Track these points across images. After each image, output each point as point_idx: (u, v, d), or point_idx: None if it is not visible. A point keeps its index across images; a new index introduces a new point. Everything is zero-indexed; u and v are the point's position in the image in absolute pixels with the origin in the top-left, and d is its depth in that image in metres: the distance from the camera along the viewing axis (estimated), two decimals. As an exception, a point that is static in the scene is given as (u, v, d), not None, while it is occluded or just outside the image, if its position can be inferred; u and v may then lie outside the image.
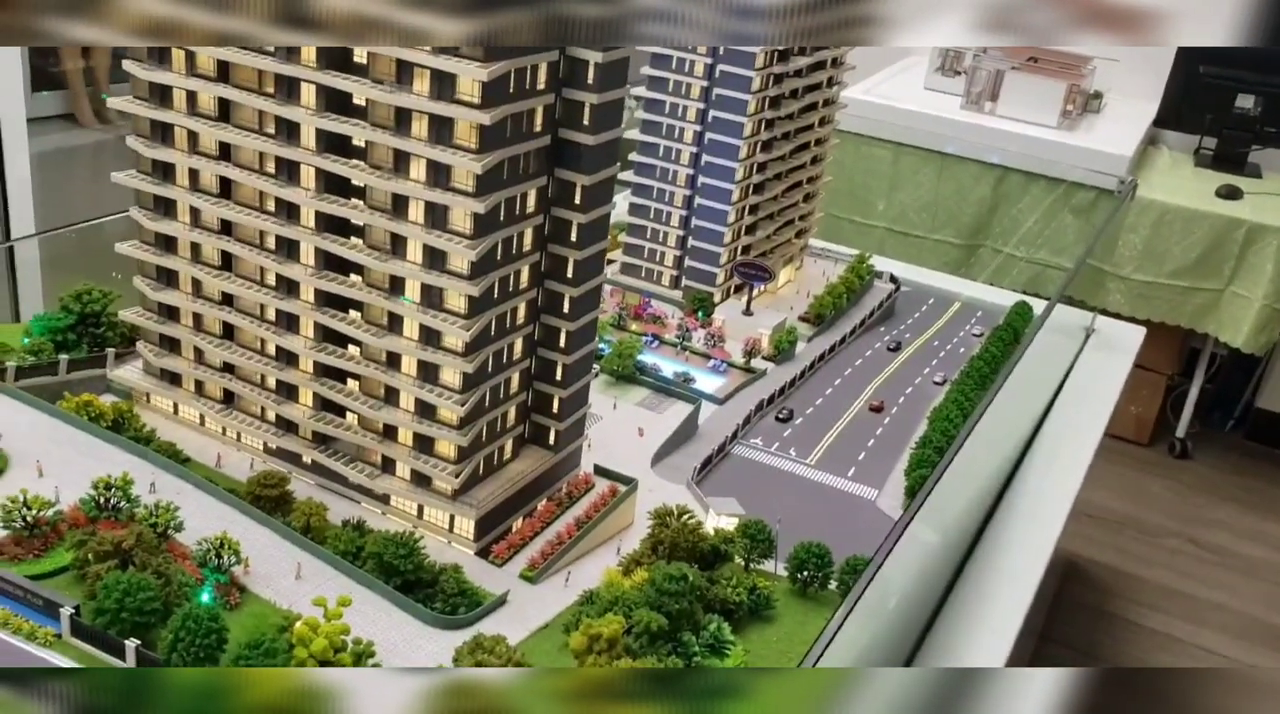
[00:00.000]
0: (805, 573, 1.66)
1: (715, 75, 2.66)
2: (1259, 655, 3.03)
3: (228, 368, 1.77)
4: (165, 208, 1.72)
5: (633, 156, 2.79)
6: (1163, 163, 4.08)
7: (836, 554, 1.72)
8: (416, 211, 1.49)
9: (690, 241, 2.82)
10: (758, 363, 2.58)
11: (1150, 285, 3.74)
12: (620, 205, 2.89)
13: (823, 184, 3.17)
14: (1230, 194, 3.75)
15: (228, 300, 1.73)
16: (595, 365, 2.31)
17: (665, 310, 2.75)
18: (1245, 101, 3.95)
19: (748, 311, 2.78)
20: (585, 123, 1.55)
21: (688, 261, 2.84)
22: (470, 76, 1.36)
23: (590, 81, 1.52)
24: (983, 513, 2.24)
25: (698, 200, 2.78)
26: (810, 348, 2.72)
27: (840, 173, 4.07)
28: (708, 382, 2.46)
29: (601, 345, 2.40)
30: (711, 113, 2.69)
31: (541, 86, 1.49)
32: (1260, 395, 4.10)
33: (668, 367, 2.45)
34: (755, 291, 2.83)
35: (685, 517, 1.64)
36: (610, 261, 2.92)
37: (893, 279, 3.13)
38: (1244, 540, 3.56)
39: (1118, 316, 3.52)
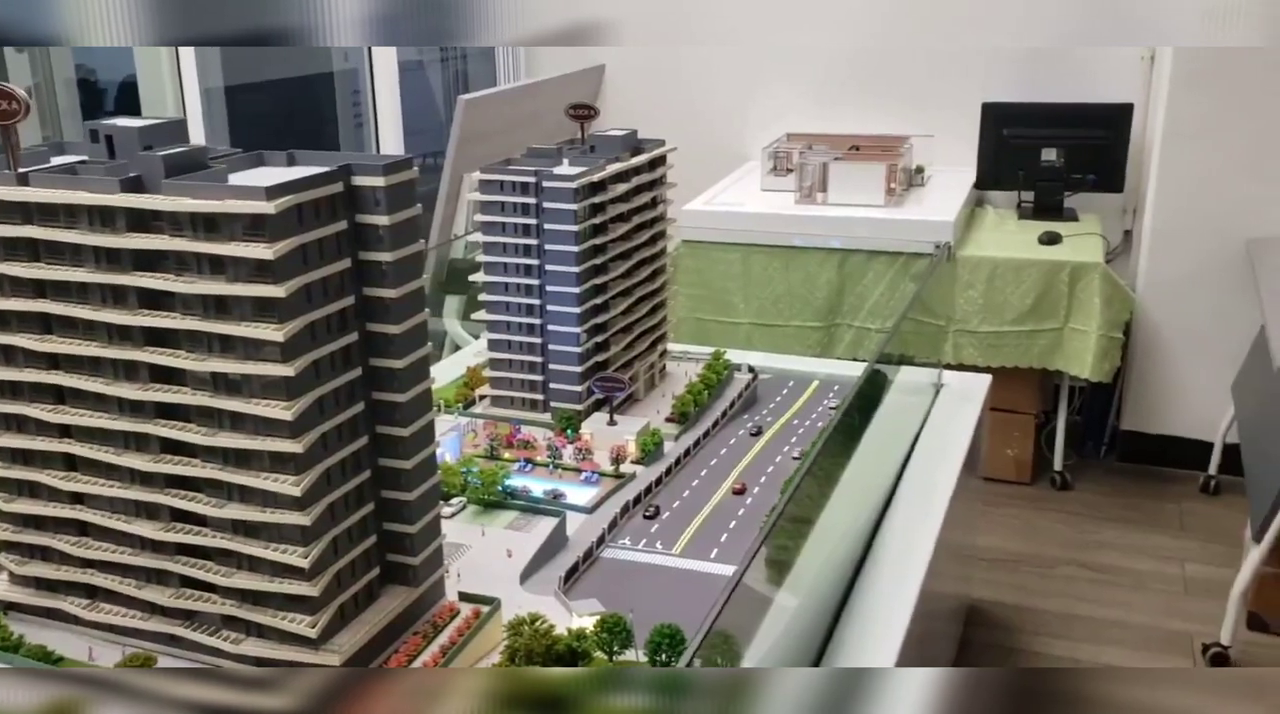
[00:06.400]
0: (663, 654, 1.76)
1: (542, 211, 2.85)
2: (1161, 662, 3.16)
3: (89, 564, 1.84)
4: (4, 422, 1.82)
5: (482, 297, 2.95)
6: (990, 221, 4.39)
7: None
8: (235, 385, 1.61)
9: (549, 366, 2.97)
10: (626, 468, 2.70)
11: (997, 334, 3.98)
12: (480, 342, 3.05)
13: (670, 294, 3.35)
14: (1051, 240, 4.05)
15: (78, 499, 1.81)
16: (462, 497, 2.42)
17: (535, 435, 2.87)
18: (1050, 155, 4.31)
19: (612, 422, 2.91)
20: (385, 279, 1.70)
21: (551, 385, 2.98)
22: (257, 255, 1.50)
23: (382, 238, 1.68)
24: (851, 567, 2.37)
25: (548, 326, 2.94)
26: (677, 446, 2.85)
27: (699, 279, 4.30)
28: (580, 494, 2.57)
29: (474, 480, 2.51)
30: (545, 246, 2.87)
31: (336, 254, 1.64)
32: (1123, 418, 4.34)
33: (538, 486, 2.56)
34: (617, 402, 2.98)
35: (538, 623, 1.74)
36: (482, 397, 3.06)
37: (750, 369, 3.31)
38: (1131, 556, 3.73)
39: (974, 368, 3.74)
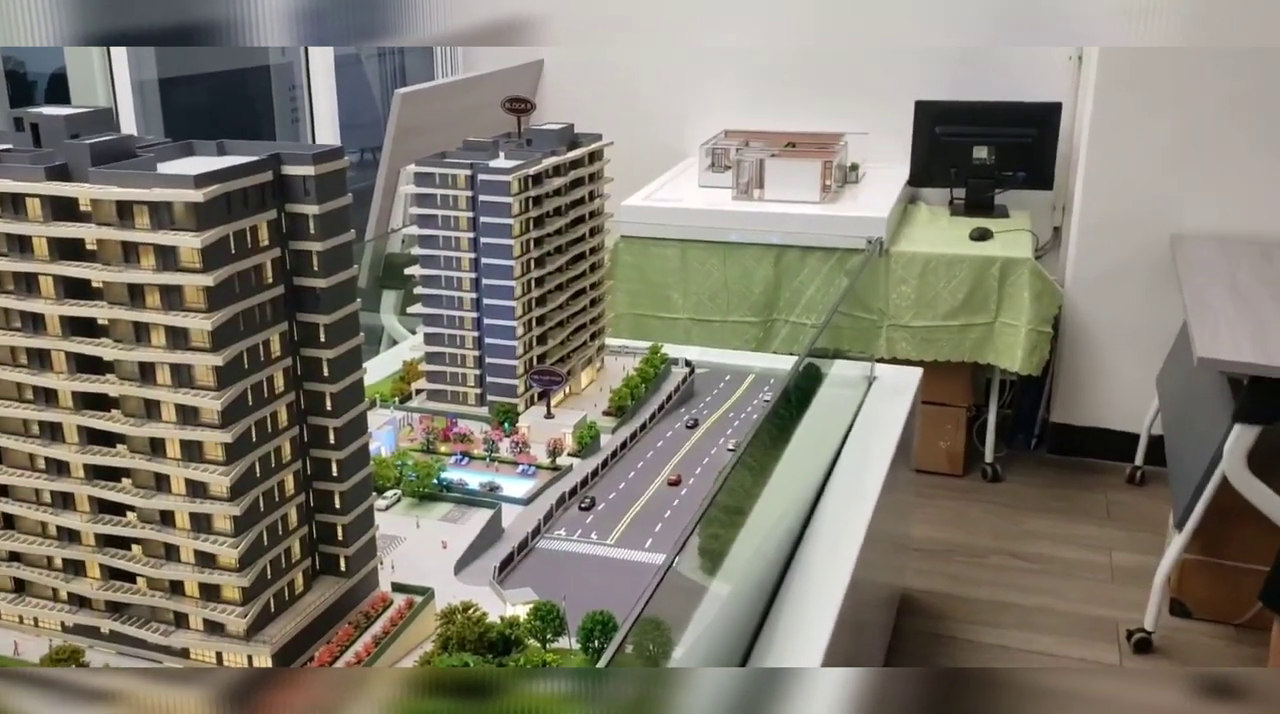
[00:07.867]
0: (595, 642, 1.77)
1: (478, 204, 2.85)
2: (1088, 648, 3.25)
3: (14, 557, 1.81)
4: (-68, 415, 1.78)
5: (418, 290, 2.94)
6: (923, 217, 4.47)
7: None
8: (163, 375, 1.60)
9: (486, 359, 2.97)
10: (563, 460, 2.72)
11: (929, 329, 4.06)
12: (417, 337, 3.05)
13: (608, 288, 3.37)
14: (982, 236, 4.13)
15: (2, 491, 1.78)
16: (397, 490, 2.42)
17: (472, 428, 2.88)
18: (981, 152, 4.40)
19: (549, 415, 2.92)
20: (315, 268, 1.70)
21: (488, 378, 2.98)
22: (185, 244, 1.50)
23: (312, 227, 1.67)
24: (784, 556, 2.40)
25: (485, 320, 2.94)
26: (613, 439, 2.87)
27: (638, 275, 4.33)
28: (516, 486, 2.57)
29: (410, 473, 2.51)
30: (481, 239, 2.87)
31: (265, 243, 1.64)
32: (1052, 411, 4.44)
33: (475, 479, 2.56)
34: (555, 396, 2.99)
35: (470, 610, 1.75)
36: (418, 391, 3.05)
37: (687, 363, 3.34)
38: (1060, 545, 3.82)
39: (907, 362, 3.82)
